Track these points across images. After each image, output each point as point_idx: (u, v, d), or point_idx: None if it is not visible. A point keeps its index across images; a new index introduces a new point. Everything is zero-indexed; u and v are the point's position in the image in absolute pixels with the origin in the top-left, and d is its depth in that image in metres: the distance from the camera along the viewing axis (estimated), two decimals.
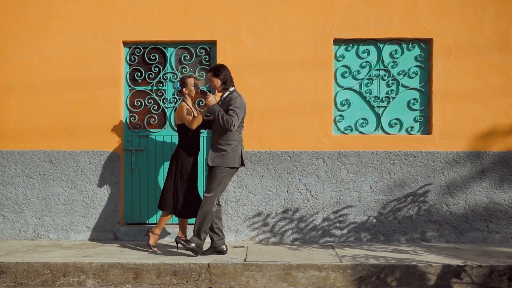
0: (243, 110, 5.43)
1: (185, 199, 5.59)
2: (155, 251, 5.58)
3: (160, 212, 6.11)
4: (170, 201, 5.60)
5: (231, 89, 5.52)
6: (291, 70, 6.21)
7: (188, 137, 5.60)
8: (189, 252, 5.46)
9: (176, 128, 5.79)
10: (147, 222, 6.41)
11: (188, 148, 5.61)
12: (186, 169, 5.58)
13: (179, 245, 5.57)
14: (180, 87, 5.66)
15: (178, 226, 5.96)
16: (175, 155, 5.65)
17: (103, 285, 5.05)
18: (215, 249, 5.55)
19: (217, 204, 5.49)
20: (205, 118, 5.64)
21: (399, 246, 5.94)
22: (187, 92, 5.66)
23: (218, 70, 5.48)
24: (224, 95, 5.52)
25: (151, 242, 5.64)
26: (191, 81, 5.66)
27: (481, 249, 5.78)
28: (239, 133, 5.50)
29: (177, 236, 5.59)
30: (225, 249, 5.56)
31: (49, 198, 6.28)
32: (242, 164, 5.53)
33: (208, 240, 5.60)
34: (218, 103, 5.47)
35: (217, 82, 5.50)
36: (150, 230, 5.69)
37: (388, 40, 6.29)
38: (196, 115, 5.58)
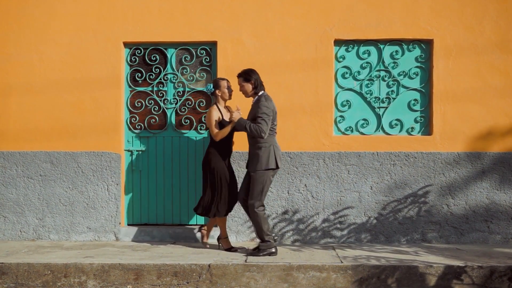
0: (270, 114, 5.42)
1: (229, 199, 5.63)
2: (236, 250, 5.70)
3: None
4: (223, 205, 5.60)
5: (261, 92, 5.55)
6: (292, 70, 6.21)
7: (218, 141, 5.59)
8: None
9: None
10: (148, 223, 6.41)
11: (219, 152, 5.61)
12: (221, 173, 5.59)
13: (220, 244, 5.78)
14: (213, 89, 5.65)
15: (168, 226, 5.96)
16: (207, 160, 5.62)
17: (103, 286, 5.05)
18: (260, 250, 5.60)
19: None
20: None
21: (400, 247, 5.94)
22: (220, 94, 5.65)
23: (249, 75, 5.51)
24: (254, 100, 5.55)
25: (227, 246, 5.73)
26: (224, 83, 5.66)
27: (482, 250, 5.78)
28: (271, 135, 5.50)
29: (219, 236, 5.78)
30: (274, 250, 5.51)
31: (50, 199, 6.28)
32: (277, 165, 5.52)
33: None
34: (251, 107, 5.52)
35: (248, 87, 5.53)
36: (220, 237, 5.79)
37: (389, 41, 6.29)
38: (228, 118, 5.61)
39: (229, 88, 5.68)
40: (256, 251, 5.49)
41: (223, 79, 5.72)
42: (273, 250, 5.47)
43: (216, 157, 5.60)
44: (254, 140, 5.47)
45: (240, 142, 5.98)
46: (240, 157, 6.19)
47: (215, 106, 5.65)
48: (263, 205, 5.53)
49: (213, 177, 5.59)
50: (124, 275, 5.06)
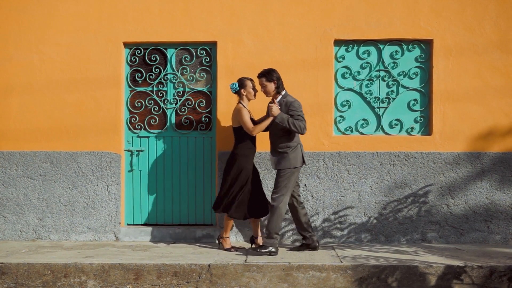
0: (302, 111, 5.55)
1: (254, 199, 5.64)
2: (236, 250, 5.69)
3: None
4: (242, 207, 5.60)
5: (283, 92, 5.60)
6: (292, 71, 6.21)
7: (245, 140, 5.61)
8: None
9: (233, 130, 5.75)
10: (148, 223, 6.41)
11: (246, 151, 5.63)
12: (247, 172, 5.61)
13: (253, 246, 5.76)
14: (238, 88, 5.65)
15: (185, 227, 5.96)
16: (233, 159, 5.63)
17: (103, 286, 5.05)
18: (308, 246, 5.71)
19: (300, 203, 5.70)
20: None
21: (400, 247, 5.94)
22: (245, 94, 5.66)
23: (271, 75, 5.55)
24: (278, 99, 5.58)
25: (227, 246, 5.69)
26: (250, 83, 5.67)
27: (482, 250, 5.78)
28: (296, 134, 5.57)
29: (252, 236, 5.79)
30: (317, 245, 5.70)
31: (49, 199, 6.29)
32: (304, 162, 5.64)
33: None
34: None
35: (271, 86, 5.56)
36: (220, 236, 5.75)
37: (389, 41, 6.29)
38: (252, 117, 5.65)
39: (254, 88, 5.69)
40: (257, 248, 5.52)
41: (248, 79, 5.71)
42: (274, 249, 5.48)
43: (243, 158, 5.61)
44: (284, 139, 5.52)
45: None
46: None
47: (242, 105, 5.63)
48: (301, 202, 5.72)
49: (238, 177, 5.58)
50: (124, 275, 5.06)
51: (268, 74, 5.55)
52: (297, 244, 6.07)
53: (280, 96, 5.60)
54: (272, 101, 5.60)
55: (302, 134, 5.51)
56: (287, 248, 5.84)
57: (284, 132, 5.51)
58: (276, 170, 5.64)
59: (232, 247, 5.74)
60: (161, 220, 6.41)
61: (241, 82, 5.68)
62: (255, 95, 5.72)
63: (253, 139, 5.70)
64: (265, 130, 5.66)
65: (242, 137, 5.64)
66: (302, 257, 5.38)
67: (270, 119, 5.49)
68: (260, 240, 5.78)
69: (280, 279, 5.02)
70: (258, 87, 5.69)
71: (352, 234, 6.20)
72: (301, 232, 5.75)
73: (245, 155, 5.64)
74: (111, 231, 6.28)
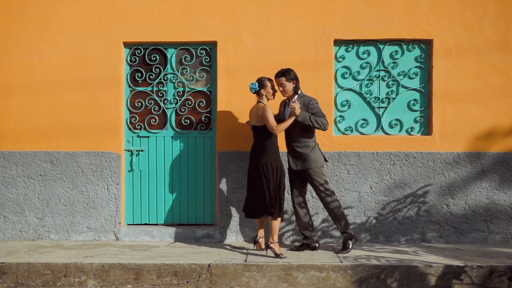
0: None
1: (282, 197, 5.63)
2: (285, 257, 5.41)
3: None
4: (281, 207, 5.58)
5: (299, 92, 5.66)
6: None
7: (270, 137, 5.58)
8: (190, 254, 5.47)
9: (255, 129, 5.67)
10: (147, 223, 6.41)
11: (273, 146, 5.60)
12: (281, 168, 5.61)
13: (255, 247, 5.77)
14: (258, 88, 5.63)
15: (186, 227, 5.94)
16: (258, 158, 5.56)
17: (103, 286, 5.06)
18: (309, 246, 5.73)
19: (302, 202, 5.75)
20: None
21: (399, 247, 5.95)
22: (265, 94, 5.63)
23: (290, 74, 5.59)
24: (294, 98, 5.61)
25: (278, 251, 5.48)
26: (269, 83, 5.64)
27: (481, 250, 5.79)
28: (314, 133, 5.67)
29: (256, 235, 5.78)
30: (317, 245, 5.73)
31: (50, 199, 6.29)
32: (325, 160, 5.76)
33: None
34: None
35: (290, 86, 5.60)
36: (270, 242, 5.54)
37: (388, 41, 6.30)
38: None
39: (273, 88, 5.68)
40: (343, 249, 5.63)
41: (267, 78, 5.67)
42: (353, 240, 5.66)
43: (274, 154, 5.59)
44: (303, 139, 5.58)
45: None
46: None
47: (264, 105, 5.57)
48: (305, 201, 5.80)
49: (276, 175, 5.55)
50: (124, 274, 5.07)
51: (288, 73, 5.58)
52: (297, 244, 6.07)
53: (297, 96, 5.63)
54: (293, 101, 5.59)
55: (325, 130, 5.59)
56: (287, 248, 5.84)
57: (303, 131, 5.56)
58: (297, 171, 5.66)
59: (281, 253, 5.48)
60: (161, 220, 6.42)
61: (261, 82, 5.64)
62: (274, 95, 5.70)
63: (276, 136, 5.64)
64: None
65: (266, 135, 5.57)
66: (302, 257, 5.39)
67: (292, 119, 5.50)
68: (262, 241, 5.76)
69: (280, 279, 5.02)
70: (276, 87, 5.67)
71: None
72: (302, 231, 5.76)
73: (274, 150, 5.60)
74: (111, 231, 6.28)
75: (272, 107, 5.64)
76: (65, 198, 6.29)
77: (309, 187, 6.10)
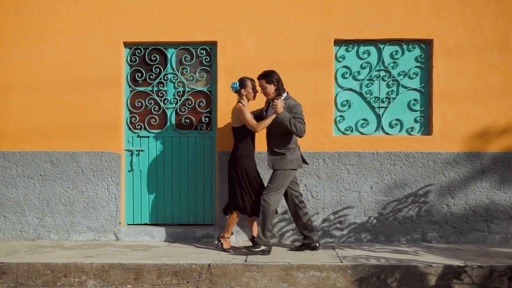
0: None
1: (257, 197, 5.63)
2: (231, 252, 5.62)
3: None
4: (246, 205, 5.61)
5: (284, 94, 5.61)
6: (292, 70, 6.21)
7: (246, 140, 5.61)
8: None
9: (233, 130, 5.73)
10: (148, 223, 6.41)
11: (247, 151, 5.62)
12: (249, 170, 5.61)
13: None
14: (238, 88, 5.64)
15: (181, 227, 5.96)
16: (234, 159, 5.63)
17: (104, 286, 5.06)
18: (309, 246, 5.71)
19: (300, 201, 5.69)
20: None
21: (400, 247, 5.94)
22: (245, 94, 5.65)
23: (271, 76, 5.53)
24: (281, 99, 5.57)
25: (225, 246, 5.67)
26: (250, 83, 5.66)
27: (482, 250, 5.79)
28: (295, 136, 5.59)
29: (252, 236, 5.81)
30: (317, 245, 5.70)
31: (50, 199, 6.29)
32: (304, 162, 5.69)
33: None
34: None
35: (271, 88, 5.55)
36: (220, 236, 5.72)
37: (389, 41, 6.30)
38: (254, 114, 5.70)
39: (254, 88, 5.68)
40: (250, 247, 5.53)
41: (249, 78, 5.69)
42: (266, 248, 5.49)
43: (246, 157, 5.61)
44: (283, 140, 5.53)
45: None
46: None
47: (241, 104, 5.62)
48: (302, 201, 5.72)
49: (243, 177, 5.58)
50: (124, 274, 5.06)
51: (268, 76, 5.54)
52: (297, 244, 6.07)
53: (281, 98, 5.59)
54: (278, 98, 5.58)
55: (300, 137, 5.53)
56: (287, 248, 5.84)
57: (284, 132, 5.51)
58: (272, 170, 5.64)
59: (231, 248, 5.73)
60: (161, 220, 6.41)
61: (242, 82, 5.67)
62: (255, 96, 5.71)
63: (253, 139, 5.70)
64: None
65: (243, 136, 5.62)
66: (302, 257, 5.38)
67: (273, 116, 5.48)
68: (226, 242, 5.78)
69: (280, 279, 5.02)
70: (258, 87, 5.69)
71: (352, 234, 6.20)
72: (301, 231, 5.76)
73: (248, 155, 5.64)
74: (111, 231, 6.28)
75: (255, 107, 5.65)
76: (65, 198, 6.29)
77: (308, 187, 6.11)
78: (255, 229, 5.84)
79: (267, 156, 5.62)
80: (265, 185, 5.71)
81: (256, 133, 5.70)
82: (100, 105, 6.28)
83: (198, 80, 6.42)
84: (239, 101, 5.67)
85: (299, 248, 5.73)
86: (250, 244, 5.89)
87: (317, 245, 5.73)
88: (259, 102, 5.91)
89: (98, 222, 6.28)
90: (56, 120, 6.29)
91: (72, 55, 6.30)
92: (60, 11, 6.31)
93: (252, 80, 5.70)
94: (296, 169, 5.63)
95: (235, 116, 5.63)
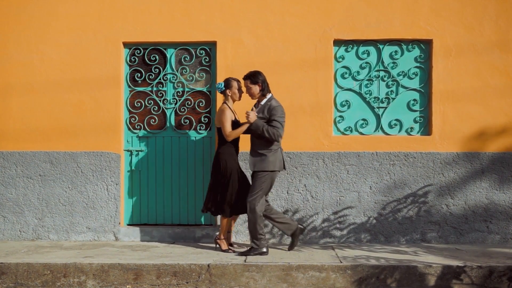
0: (284, 118, 5.48)
1: (240, 196, 5.60)
2: (231, 252, 5.64)
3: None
4: (226, 208, 5.58)
5: (268, 96, 5.57)
6: (291, 71, 6.21)
7: (231, 141, 5.60)
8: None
9: (216, 130, 5.71)
10: (147, 223, 6.41)
11: (230, 150, 5.61)
12: (232, 170, 5.58)
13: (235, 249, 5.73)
14: (223, 88, 5.64)
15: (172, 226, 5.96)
16: (217, 159, 5.62)
17: (103, 286, 5.06)
18: (294, 234, 5.70)
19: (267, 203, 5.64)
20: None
21: (399, 247, 5.94)
22: (230, 95, 5.64)
23: (256, 77, 5.51)
24: (262, 102, 5.56)
25: (224, 247, 5.67)
26: (236, 84, 5.65)
27: (481, 250, 5.78)
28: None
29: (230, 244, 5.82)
30: (265, 250, 5.53)
31: (49, 199, 6.29)
32: (284, 167, 5.59)
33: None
34: (256, 108, 5.54)
35: (256, 89, 5.54)
36: (217, 238, 5.72)
37: (388, 41, 6.29)
38: (237, 118, 5.66)
39: (239, 89, 5.67)
40: (247, 251, 5.51)
41: (235, 79, 5.69)
42: (264, 250, 5.48)
43: (229, 158, 5.59)
44: (264, 142, 5.47)
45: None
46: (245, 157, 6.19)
47: (227, 106, 5.62)
48: (266, 201, 5.63)
49: (225, 177, 5.57)
50: (123, 275, 5.06)
51: (253, 77, 5.52)
52: (298, 244, 6.07)
53: (265, 99, 5.55)
54: (252, 108, 5.59)
55: (277, 141, 5.46)
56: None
57: (271, 141, 5.46)
58: (252, 172, 5.57)
59: (230, 248, 5.71)
60: (161, 220, 6.41)
61: (227, 83, 5.66)
62: (240, 96, 5.69)
63: (236, 140, 5.67)
64: (246, 132, 5.56)
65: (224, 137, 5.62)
66: (301, 257, 5.38)
67: (246, 125, 5.47)
68: (231, 235, 5.82)
69: (279, 279, 5.02)
70: (244, 88, 5.68)
71: (352, 234, 6.20)
72: (278, 226, 5.70)
73: (230, 153, 5.61)
74: (110, 231, 6.28)
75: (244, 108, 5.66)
76: (65, 198, 6.29)
77: (308, 187, 6.10)
78: (229, 235, 5.82)
79: (249, 157, 5.56)
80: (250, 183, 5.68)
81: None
82: (99, 105, 6.28)
83: (198, 80, 6.42)
84: (224, 102, 5.67)
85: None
86: (246, 245, 5.89)
87: (300, 228, 5.68)
88: (247, 103, 5.87)
89: (97, 222, 6.28)
90: (56, 120, 6.29)
91: (72, 55, 6.30)
92: (60, 11, 6.31)
93: (237, 80, 5.69)
94: (277, 171, 5.55)
95: (218, 116, 5.62)
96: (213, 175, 5.65)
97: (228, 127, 5.50)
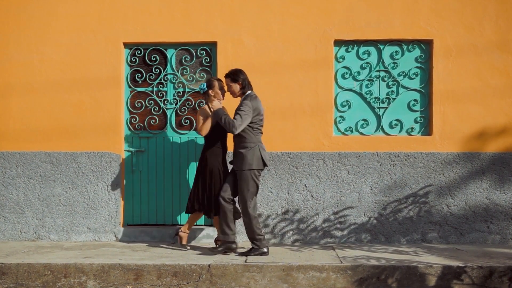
0: (249, 112, 5.38)
1: (211, 195, 5.63)
2: (189, 249, 5.74)
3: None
4: (204, 203, 5.62)
5: (248, 92, 5.55)
6: (292, 71, 6.21)
7: (215, 140, 5.65)
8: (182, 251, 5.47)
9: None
10: (147, 223, 6.41)
11: (215, 150, 5.65)
12: (215, 170, 5.61)
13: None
14: (206, 89, 5.66)
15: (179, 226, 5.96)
16: (202, 158, 5.68)
17: (103, 286, 5.05)
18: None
19: (231, 200, 5.53)
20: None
21: (400, 247, 5.94)
22: (213, 94, 5.66)
23: (236, 75, 5.51)
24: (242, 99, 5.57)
25: (184, 241, 5.74)
26: (218, 83, 5.67)
27: (482, 250, 5.79)
28: (255, 135, 5.48)
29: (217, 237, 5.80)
30: (265, 250, 5.50)
31: (50, 199, 6.29)
32: (265, 165, 5.53)
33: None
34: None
35: (236, 87, 5.53)
36: (181, 230, 5.77)
37: (389, 41, 6.29)
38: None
39: (222, 88, 5.69)
40: (248, 251, 5.51)
41: (217, 79, 5.73)
42: (265, 250, 5.48)
43: (214, 157, 5.64)
44: (239, 139, 5.47)
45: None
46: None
47: (206, 106, 5.71)
48: (233, 200, 5.54)
49: (204, 174, 5.62)
50: (124, 275, 5.06)
51: (233, 75, 5.52)
52: (297, 244, 6.08)
53: (244, 96, 5.55)
54: (219, 101, 5.65)
55: (232, 133, 5.39)
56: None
57: (243, 132, 5.42)
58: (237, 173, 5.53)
59: (188, 244, 5.83)
60: (161, 220, 6.41)
61: (209, 83, 5.68)
62: (223, 95, 5.71)
63: (223, 140, 5.71)
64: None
65: (213, 137, 5.65)
66: (302, 258, 5.38)
67: (212, 115, 5.55)
68: (184, 235, 5.80)
69: (280, 279, 5.02)
70: (226, 87, 5.68)
71: (352, 234, 6.20)
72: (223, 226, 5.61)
73: (215, 154, 5.65)
74: (111, 231, 6.28)
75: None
76: (65, 199, 6.29)
77: (308, 187, 6.10)
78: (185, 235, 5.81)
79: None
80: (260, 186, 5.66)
81: (228, 134, 5.69)
82: (100, 106, 6.28)
83: (198, 81, 6.42)
84: (206, 103, 5.71)
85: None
86: (245, 245, 5.89)
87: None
88: (231, 103, 5.88)
89: (98, 222, 6.28)
90: (56, 120, 6.29)
91: (72, 55, 6.30)
92: (60, 11, 6.31)
93: (219, 80, 5.72)
94: (258, 170, 5.47)
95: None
96: (199, 176, 5.71)
97: (198, 122, 5.60)
